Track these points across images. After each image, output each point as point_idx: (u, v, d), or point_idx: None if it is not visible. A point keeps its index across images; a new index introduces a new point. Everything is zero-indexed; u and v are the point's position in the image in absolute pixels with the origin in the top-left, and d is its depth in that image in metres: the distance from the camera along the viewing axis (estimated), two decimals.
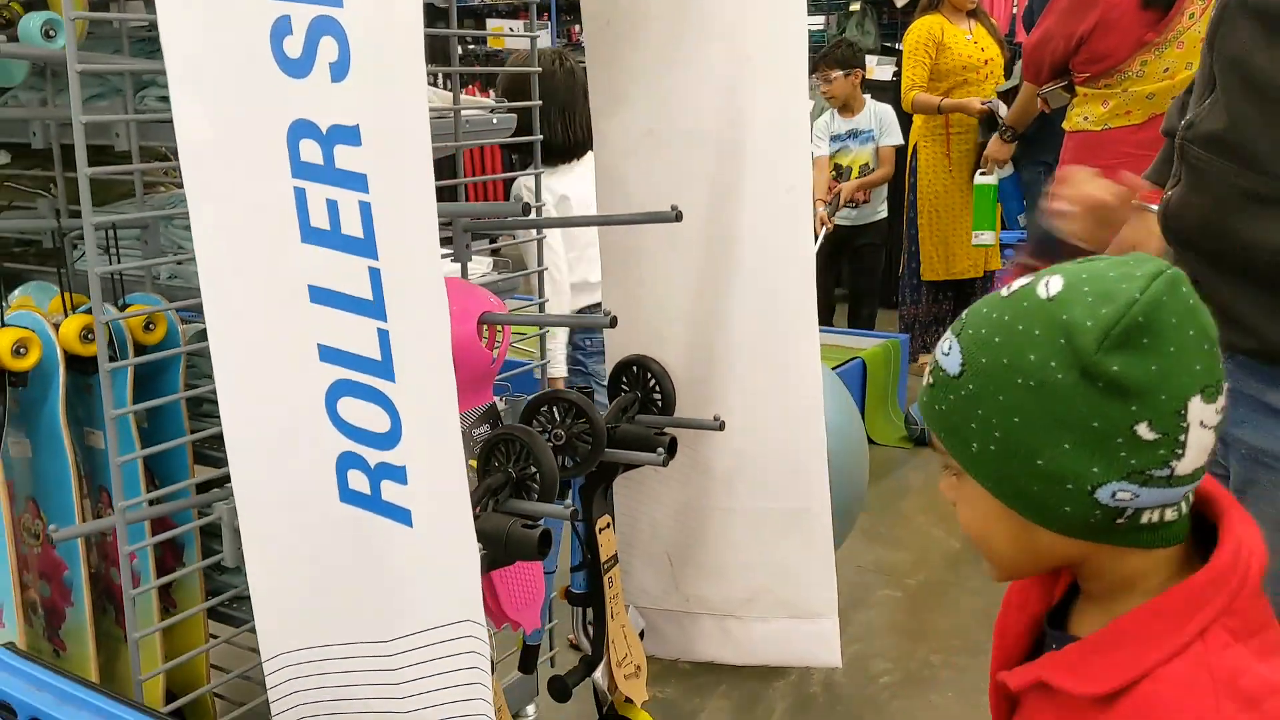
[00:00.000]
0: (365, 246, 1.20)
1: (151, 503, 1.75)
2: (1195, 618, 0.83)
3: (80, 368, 1.81)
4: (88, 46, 1.82)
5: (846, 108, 4.81)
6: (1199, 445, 0.82)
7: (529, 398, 1.72)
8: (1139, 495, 0.83)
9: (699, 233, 1.84)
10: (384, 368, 1.22)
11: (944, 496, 0.94)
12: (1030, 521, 0.87)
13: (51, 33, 1.61)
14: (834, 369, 4.09)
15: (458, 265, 1.85)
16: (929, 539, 3.39)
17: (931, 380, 0.91)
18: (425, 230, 1.17)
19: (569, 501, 1.46)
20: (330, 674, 1.35)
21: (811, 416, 1.87)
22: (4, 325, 1.65)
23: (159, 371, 1.81)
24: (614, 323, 1.52)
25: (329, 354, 1.25)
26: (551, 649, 2.20)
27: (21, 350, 1.64)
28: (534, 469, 1.50)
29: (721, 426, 1.85)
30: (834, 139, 4.86)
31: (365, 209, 1.19)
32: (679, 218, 1.64)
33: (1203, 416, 0.82)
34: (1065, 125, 3.20)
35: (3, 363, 1.64)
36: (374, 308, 1.21)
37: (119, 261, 1.80)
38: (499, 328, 1.63)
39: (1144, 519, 0.85)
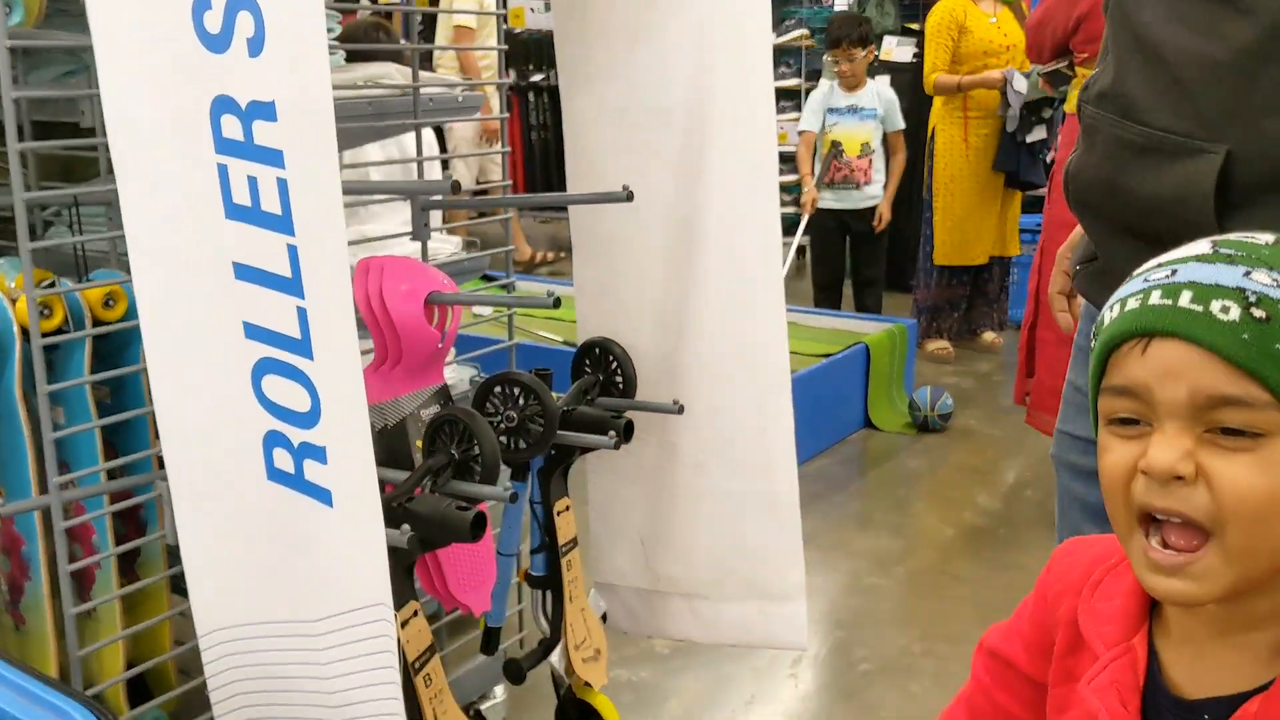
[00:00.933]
0: (283, 223, 1.19)
1: (111, 475, 1.76)
2: None
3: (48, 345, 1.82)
4: (56, 25, 1.83)
5: (850, 83, 4.75)
6: None
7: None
8: None
9: (666, 212, 1.81)
10: (304, 346, 1.21)
11: (1173, 469, 0.74)
12: None
13: (8, 8, 1.61)
14: (837, 354, 4.05)
15: (417, 245, 1.84)
16: (923, 527, 3.35)
17: (1264, 315, 0.74)
18: (334, 207, 1.16)
19: (508, 485, 1.45)
20: (263, 651, 1.35)
21: (779, 398, 1.84)
22: None
23: (124, 347, 1.81)
24: (556, 303, 1.50)
25: (254, 331, 1.24)
26: (521, 630, 2.20)
27: (46, 312, 1.64)
28: (476, 450, 1.49)
29: (680, 410, 1.83)
30: (831, 111, 4.79)
31: (282, 185, 1.18)
32: (630, 198, 1.62)
33: None
34: (1066, 107, 3.16)
35: None
36: (293, 285, 1.20)
37: (81, 236, 1.81)
38: (449, 308, 1.62)
39: None
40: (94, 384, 1.72)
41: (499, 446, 1.67)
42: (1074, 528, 1.39)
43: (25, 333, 1.70)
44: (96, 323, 1.73)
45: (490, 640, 1.88)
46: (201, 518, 1.34)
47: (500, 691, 2.17)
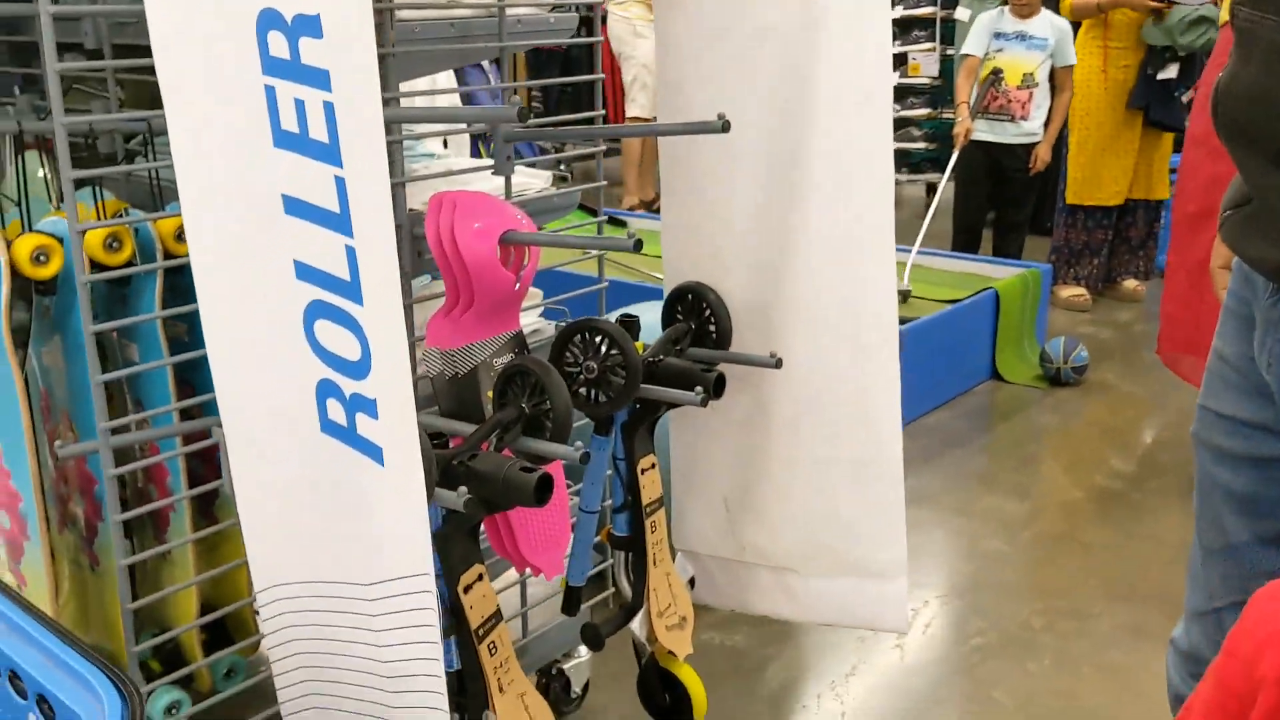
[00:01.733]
0: (331, 153, 1.08)
1: (187, 415, 1.70)
2: None
3: (120, 279, 1.76)
4: None
5: (1024, 10, 4.43)
6: None
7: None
8: None
9: (766, 146, 1.65)
10: (354, 289, 1.11)
11: None
12: None
13: None
14: (964, 300, 3.82)
15: (500, 180, 1.72)
16: (1051, 489, 3.14)
17: None
18: (378, 136, 1.05)
19: (578, 444, 1.33)
20: (318, 611, 1.27)
21: (885, 356, 1.67)
22: (30, 232, 1.61)
23: None
24: (638, 245, 1.36)
25: (305, 271, 1.15)
26: (611, 589, 2.10)
27: (42, 258, 1.59)
28: (548, 405, 1.37)
29: (778, 364, 1.68)
30: (998, 36, 4.47)
31: (329, 110, 1.07)
32: (725, 128, 1.46)
33: None
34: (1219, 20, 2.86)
35: (23, 270, 1.60)
36: (341, 221, 1.10)
37: (157, 170, 1.74)
38: (527, 249, 1.50)
39: None
40: (167, 320, 1.65)
41: (577, 400, 1.56)
42: (1214, 519, 1.20)
43: (96, 267, 1.65)
44: (169, 256, 1.66)
45: (571, 600, 1.78)
46: (257, 469, 1.27)
47: (585, 650, 2.08)
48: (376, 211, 1.06)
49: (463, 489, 1.24)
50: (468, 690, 1.41)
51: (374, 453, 1.14)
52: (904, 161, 7.32)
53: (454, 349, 1.48)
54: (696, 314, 1.74)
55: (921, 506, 2.86)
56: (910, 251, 4.29)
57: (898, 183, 7.76)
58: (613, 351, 1.52)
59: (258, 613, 1.90)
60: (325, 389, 1.17)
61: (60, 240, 1.64)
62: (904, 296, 3.93)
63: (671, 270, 1.80)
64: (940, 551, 2.72)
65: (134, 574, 1.88)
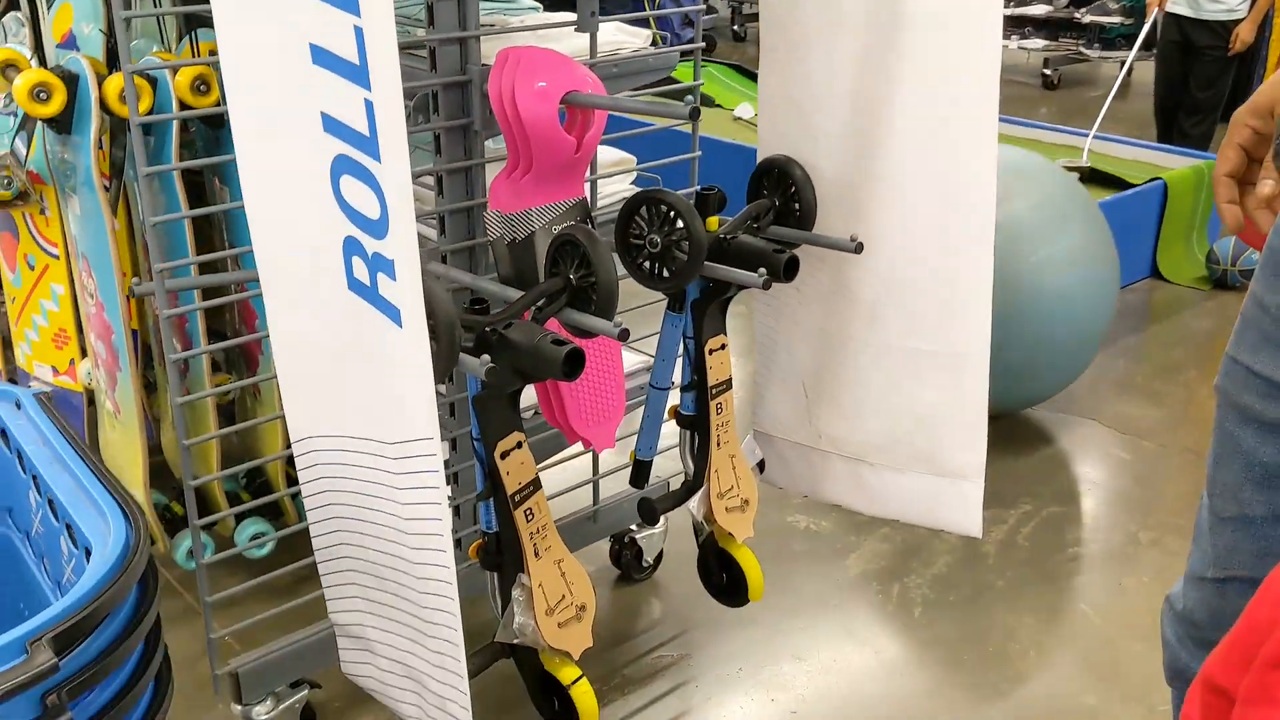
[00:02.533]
0: (350, 1, 1.04)
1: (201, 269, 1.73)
2: None
3: (214, 121, 1.79)
4: None
5: None
6: None
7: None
8: None
9: (868, 15, 1.53)
10: (372, 145, 1.08)
11: None
12: None
13: None
14: (1126, 189, 3.56)
15: (585, 36, 1.65)
16: (1192, 399, 2.93)
17: None
18: None
19: (618, 321, 1.29)
20: (348, 465, 1.29)
21: (979, 246, 1.56)
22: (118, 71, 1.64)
23: None
24: (694, 114, 1.29)
25: (331, 124, 1.13)
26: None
27: None
28: (594, 278, 1.33)
29: (858, 249, 1.58)
30: None
31: None
32: None
33: None
34: None
35: (112, 108, 1.64)
36: (360, 74, 1.06)
37: None
38: (593, 112, 1.44)
39: None
40: None
41: (640, 274, 1.52)
42: (1230, 485, 1.02)
43: (185, 107, 1.67)
44: None
45: (640, 473, 1.77)
46: (291, 322, 1.28)
47: (661, 524, 2.08)
48: (390, 65, 1.03)
49: (485, 357, 1.22)
50: (504, 552, 1.42)
51: (393, 314, 1.13)
52: (1098, 37, 6.80)
53: (513, 213, 1.44)
54: (781, 190, 1.65)
55: (1046, 405, 2.72)
56: (1087, 136, 4.02)
57: (1090, 60, 7.23)
58: (679, 225, 1.46)
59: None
60: (350, 246, 1.16)
61: (153, 81, 1.67)
62: (1082, 174, 3.72)
63: (764, 141, 1.71)
64: (1054, 455, 2.59)
65: (230, 410, 1.96)
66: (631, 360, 1.94)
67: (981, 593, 2.09)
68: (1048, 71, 6.94)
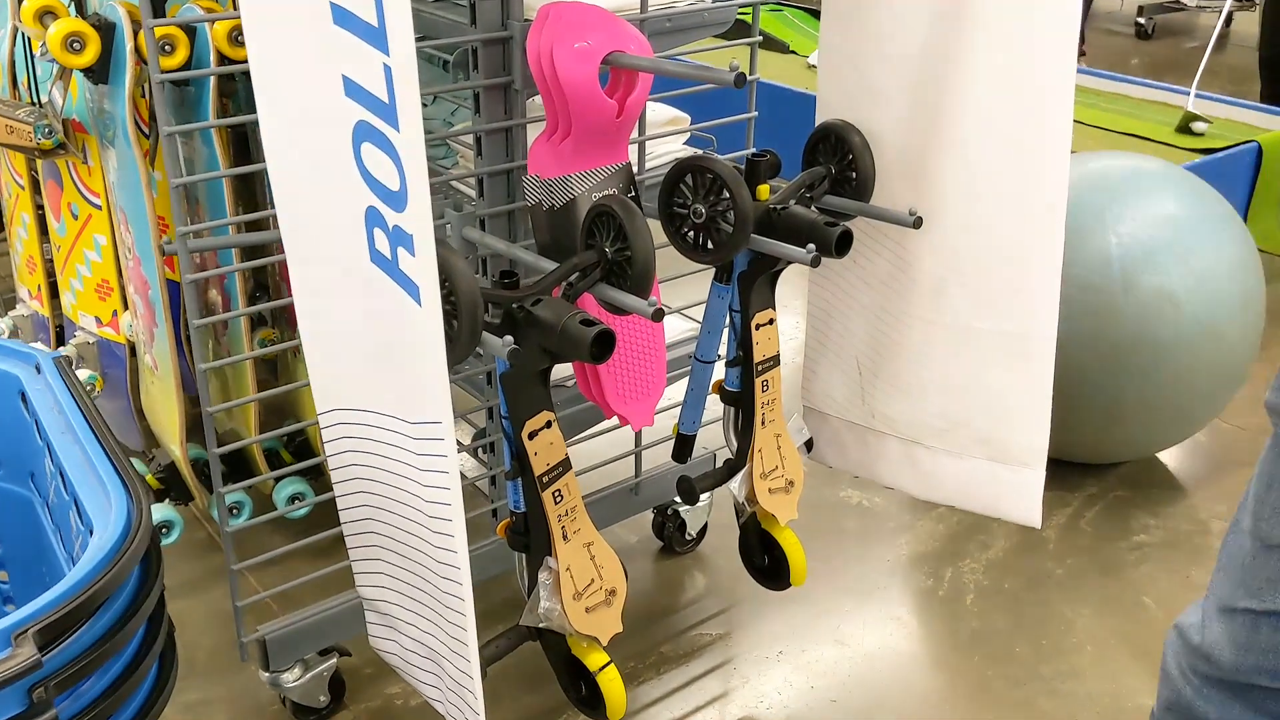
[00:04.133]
0: None
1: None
2: None
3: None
4: None
5: None
6: None
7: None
8: None
9: None
10: (391, 112, 1.02)
11: None
12: None
13: None
14: (1215, 152, 3.37)
15: None
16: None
17: None
18: None
19: (653, 300, 1.21)
20: (372, 440, 1.25)
21: (1051, 220, 1.45)
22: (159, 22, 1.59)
23: None
24: (740, 81, 1.20)
25: (352, 88, 1.07)
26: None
27: (167, 48, 1.57)
28: (630, 252, 1.26)
29: (917, 224, 1.49)
30: None
31: None
32: None
33: None
34: None
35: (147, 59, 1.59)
36: (379, 36, 1.00)
37: None
38: (637, 74, 1.36)
39: None
40: None
41: (683, 246, 1.44)
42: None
43: (223, 60, 1.62)
44: None
45: (683, 448, 1.71)
46: (316, 292, 1.23)
47: (705, 498, 2.01)
48: (406, 30, 0.96)
49: (508, 338, 1.16)
50: (532, 534, 1.37)
51: (413, 290, 1.08)
52: None
53: (552, 178, 1.37)
54: (838, 157, 1.56)
55: None
56: (1188, 94, 3.81)
57: (1188, 9, 6.89)
58: (724, 195, 1.38)
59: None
60: (372, 217, 1.11)
61: (191, 32, 1.62)
62: (1190, 130, 3.56)
63: (823, 104, 1.61)
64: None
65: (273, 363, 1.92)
66: (679, 328, 1.87)
67: (1039, 581, 1.99)
68: (1141, 20, 6.63)
